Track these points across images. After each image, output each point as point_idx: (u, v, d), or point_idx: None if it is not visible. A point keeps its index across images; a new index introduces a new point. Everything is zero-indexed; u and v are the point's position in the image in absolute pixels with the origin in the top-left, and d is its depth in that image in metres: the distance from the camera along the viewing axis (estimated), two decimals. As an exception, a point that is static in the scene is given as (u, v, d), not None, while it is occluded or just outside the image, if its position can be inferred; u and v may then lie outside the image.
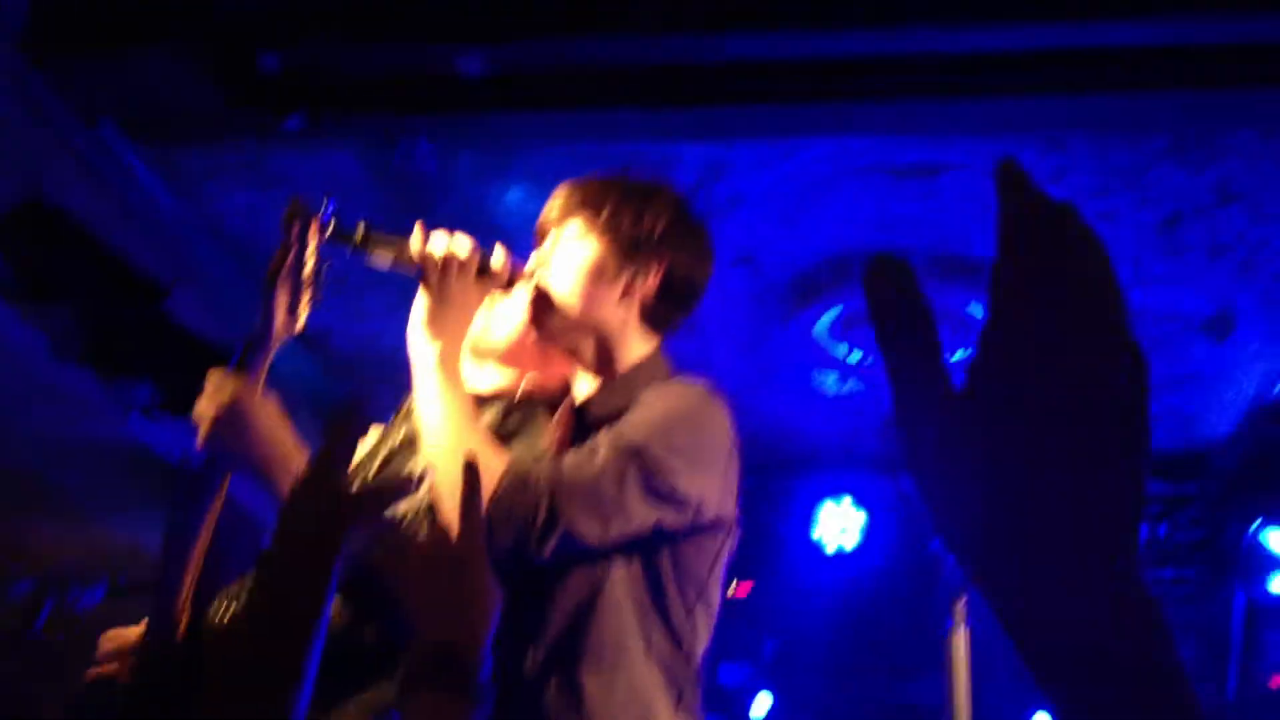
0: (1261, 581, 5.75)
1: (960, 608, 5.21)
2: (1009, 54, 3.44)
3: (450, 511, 1.84)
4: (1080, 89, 3.37)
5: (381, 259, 2.09)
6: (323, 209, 2.04)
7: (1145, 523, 5.97)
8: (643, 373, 2.16)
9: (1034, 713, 6.25)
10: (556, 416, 2.17)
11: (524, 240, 4.42)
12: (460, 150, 3.96)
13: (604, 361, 2.19)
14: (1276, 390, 5.25)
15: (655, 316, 2.23)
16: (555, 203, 2.26)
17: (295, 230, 2.03)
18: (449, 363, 2.02)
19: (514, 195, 4.22)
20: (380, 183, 4.10)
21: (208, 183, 4.09)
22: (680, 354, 5.17)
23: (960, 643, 5.14)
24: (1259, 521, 5.72)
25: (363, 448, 2.24)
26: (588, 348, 2.19)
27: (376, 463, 2.17)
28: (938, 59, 3.46)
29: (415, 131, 3.74)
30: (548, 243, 2.25)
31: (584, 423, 2.11)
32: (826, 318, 4.91)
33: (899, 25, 3.28)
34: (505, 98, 3.49)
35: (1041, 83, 3.43)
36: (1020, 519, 0.69)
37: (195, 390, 2.04)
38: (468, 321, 2.11)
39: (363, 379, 5.13)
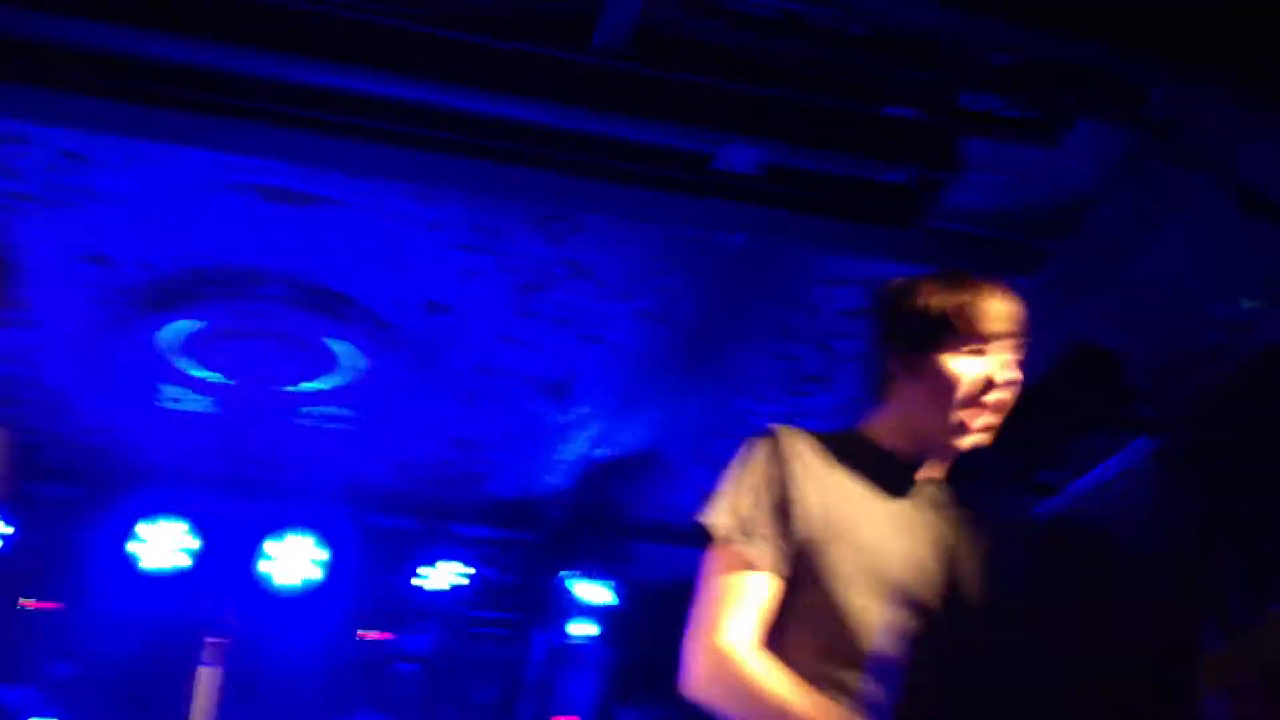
0: (563, 625, 6.27)
1: (214, 645, 5.19)
2: (392, 101, 3.50)
3: None
4: (452, 149, 3.50)
5: None
6: None
7: (475, 565, 6.29)
8: None
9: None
10: None
11: None
12: None
13: None
14: (602, 452, 5.74)
15: None
16: None
17: None
18: None
19: None
20: None
21: None
22: (15, 346, 4.74)
23: (206, 678, 5.11)
24: (570, 570, 6.23)
25: None
26: None
27: None
28: (316, 91, 3.46)
29: None
30: None
31: None
32: (182, 330, 4.69)
33: (268, 48, 3.25)
34: None
35: (415, 136, 3.53)
36: None
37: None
38: None
39: None
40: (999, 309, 2.10)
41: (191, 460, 5.50)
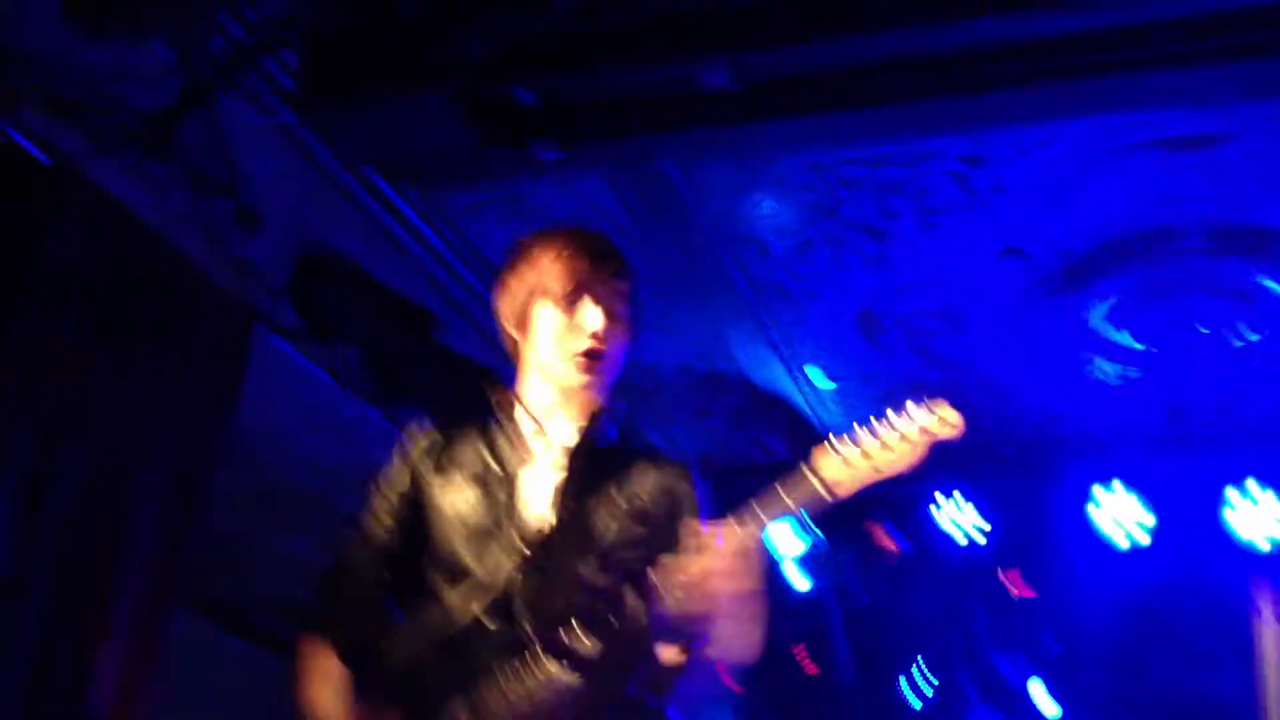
0: None
1: (1266, 596, 4.88)
2: None
3: None
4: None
5: None
6: None
7: None
8: None
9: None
10: None
11: (777, 249, 4.41)
12: (708, 165, 3.96)
13: None
14: None
15: None
16: None
17: None
18: None
19: (765, 206, 4.19)
20: (630, 206, 4.15)
21: (468, 220, 4.23)
22: (947, 351, 5.03)
23: (1269, 632, 4.81)
24: None
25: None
26: None
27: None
28: (1210, 19, 3.22)
29: (663, 151, 3.76)
30: None
31: None
32: (1101, 304, 4.66)
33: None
34: (752, 109, 3.45)
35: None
36: None
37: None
38: None
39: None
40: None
41: (1132, 429, 5.44)
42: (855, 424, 2.04)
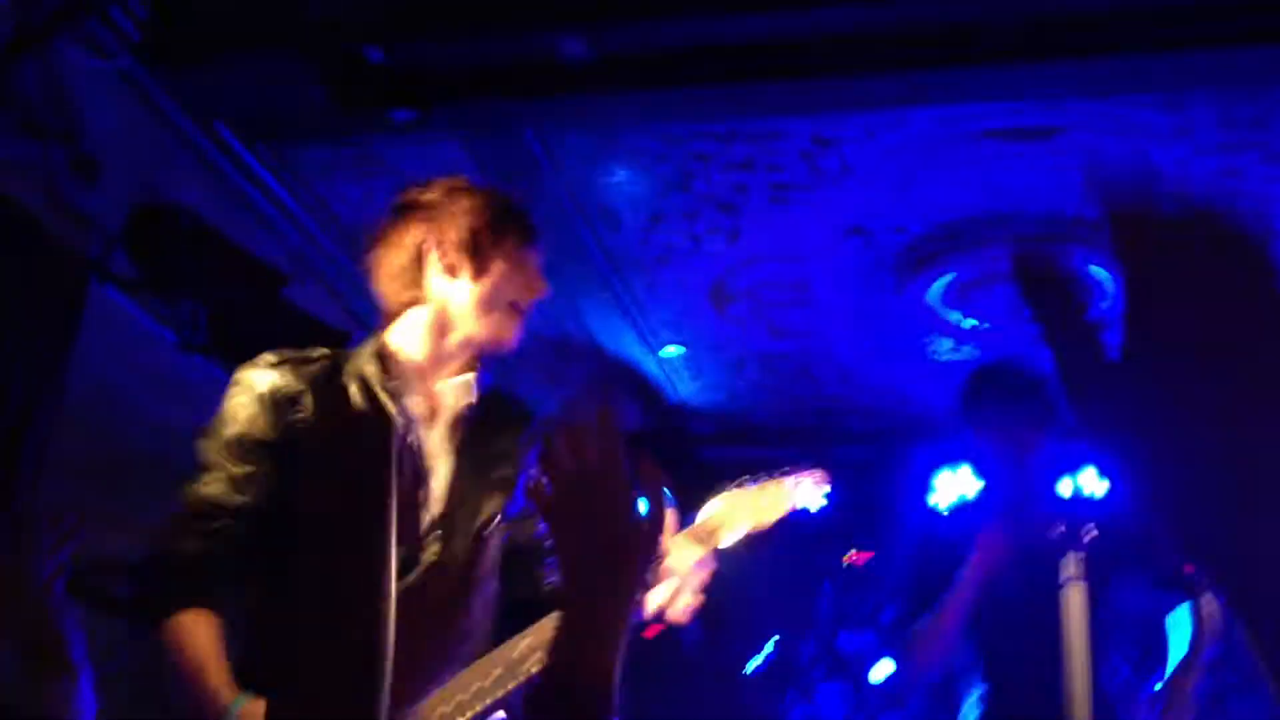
0: None
1: (1074, 563, 5.12)
2: (1125, 10, 3.33)
3: None
4: (1199, 44, 3.25)
5: None
6: None
7: None
8: None
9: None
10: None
11: (631, 219, 4.45)
12: (564, 135, 3.98)
13: None
14: None
15: None
16: None
17: None
18: None
19: (618, 176, 4.22)
20: (487, 170, 4.14)
21: (321, 178, 4.17)
22: (793, 324, 5.15)
23: (1075, 598, 5.04)
24: None
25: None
26: None
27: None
28: (1050, 20, 3.37)
29: (520, 118, 3.76)
30: None
31: None
32: (939, 285, 4.82)
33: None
34: (607, 80, 3.50)
35: (1159, 39, 3.32)
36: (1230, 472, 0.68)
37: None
38: None
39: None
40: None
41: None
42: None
